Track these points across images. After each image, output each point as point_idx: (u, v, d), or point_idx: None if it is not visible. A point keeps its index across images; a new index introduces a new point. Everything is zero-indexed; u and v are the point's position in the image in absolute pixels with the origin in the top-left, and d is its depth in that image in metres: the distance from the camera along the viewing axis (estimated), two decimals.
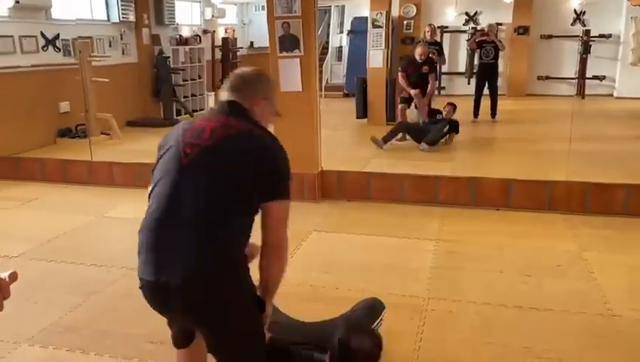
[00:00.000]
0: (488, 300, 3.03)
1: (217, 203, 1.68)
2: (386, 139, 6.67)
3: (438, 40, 9.36)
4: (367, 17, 8.78)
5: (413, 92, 6.97)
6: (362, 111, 8.59)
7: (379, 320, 2.35)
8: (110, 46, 8.46)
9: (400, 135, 6.90)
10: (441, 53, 8.48)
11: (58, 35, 7.38)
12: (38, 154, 6.44)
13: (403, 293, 3.11)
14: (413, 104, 7.13)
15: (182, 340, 1.97)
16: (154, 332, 2.74)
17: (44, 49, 7.23)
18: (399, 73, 7.13)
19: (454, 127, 6.88)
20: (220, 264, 1.66)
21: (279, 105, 2.02)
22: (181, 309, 1.71)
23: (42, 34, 7.18)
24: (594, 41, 10.97)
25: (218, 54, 11.51)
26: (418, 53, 6.98)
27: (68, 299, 3.11)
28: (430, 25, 8.46)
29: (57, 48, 7.41)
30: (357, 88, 8.63)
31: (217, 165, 1.72)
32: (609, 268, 3.43)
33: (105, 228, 4.43)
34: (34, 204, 5.06)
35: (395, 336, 2.53)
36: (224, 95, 1.91)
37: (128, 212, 4.66)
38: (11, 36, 6.74)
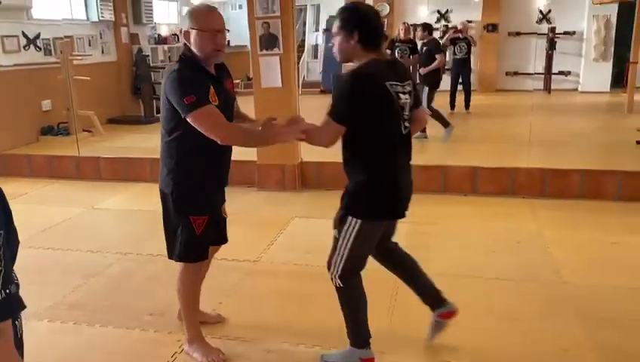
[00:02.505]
0: (455, 271, 3.36)
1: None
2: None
3: (412, 38, 9.67)
4: None
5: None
6: None
7: None
8: (90, 45, 8.61)
9: None
10: (415, 51, 8.66)
11: (39, 34, 7.52)
12: (23, 151, 6.58)
13: (378, 266, 3.41)
14: None
15: None
16: (152, 306, 3.01)
17: (26, 48, 7.35)
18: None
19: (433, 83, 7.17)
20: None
21: None
22: None
23: (24, 33, 7.30)
24: (559, 38, 11.50)
25: None
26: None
27: (69, 281, 3.34)
28: (404, 23, 8.67)
29: (38, 47, 7.54)
30: (333, 85, 8.92)
31: None
32: (563, 244, 3.80)
33: (96, 219, 4.64)
34: (24, 198, 5.23)
35: (372, 300, 2.83)
36: None
37: (117, 204, 4.86)
38: None
